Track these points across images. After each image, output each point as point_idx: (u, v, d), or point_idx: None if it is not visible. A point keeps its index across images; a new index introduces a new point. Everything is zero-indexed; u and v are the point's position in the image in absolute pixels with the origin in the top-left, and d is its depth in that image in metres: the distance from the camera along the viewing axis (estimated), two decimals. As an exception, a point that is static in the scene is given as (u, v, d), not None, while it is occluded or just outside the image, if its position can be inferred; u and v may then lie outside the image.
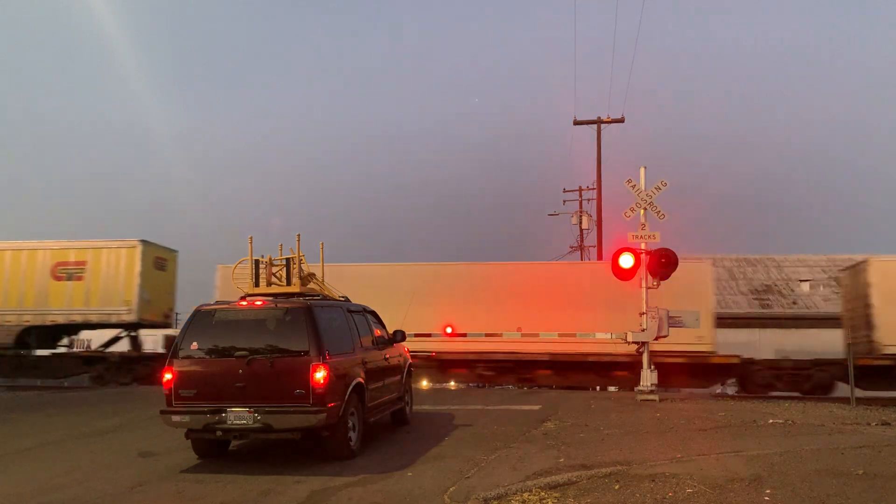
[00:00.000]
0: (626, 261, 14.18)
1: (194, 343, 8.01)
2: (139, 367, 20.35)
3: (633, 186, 14.55)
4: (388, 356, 10.14)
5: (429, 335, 18.55)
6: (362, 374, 8.66)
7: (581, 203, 34.47)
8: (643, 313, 14.24)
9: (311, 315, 7.99)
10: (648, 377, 14.28)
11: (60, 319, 20.59)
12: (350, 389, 8.21)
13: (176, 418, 7.81)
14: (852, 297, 19.36)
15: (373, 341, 9.74)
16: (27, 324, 20.55)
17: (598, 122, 27.98)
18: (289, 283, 10.55)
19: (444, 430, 10.23)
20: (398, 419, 10.71)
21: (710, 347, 17.41)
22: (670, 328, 14.38)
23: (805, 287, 29.74)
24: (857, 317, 18.66)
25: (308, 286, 10.71)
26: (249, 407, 7.62)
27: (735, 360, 17.65)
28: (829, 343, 20.54)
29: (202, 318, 8.23)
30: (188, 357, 7.96)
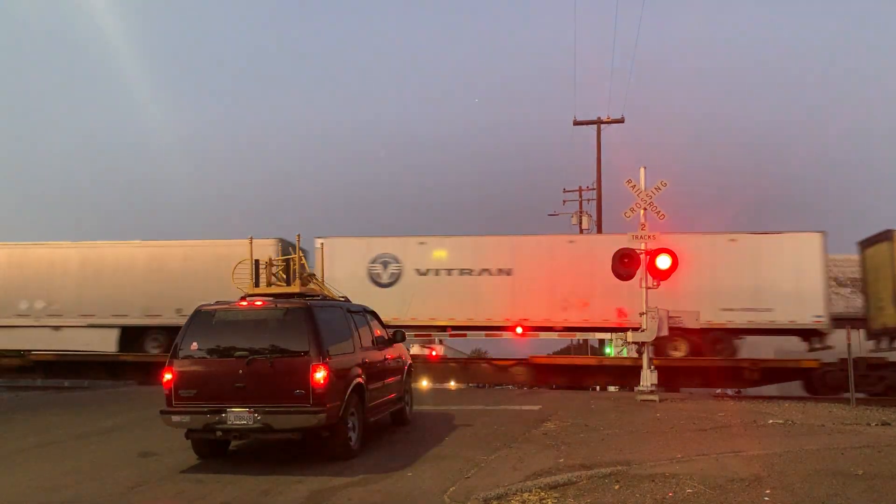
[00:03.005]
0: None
1: (194, 343, 8.01)
2: None
3: (633, 187, 14.54)
4: (388, 356, 10.13)
5: None
6: (362, 374, 8.65)
7: (581, 203, 34.43)
8: (643, 313, 14.24)
9: (311, 315, 7.99)
10: (648, 377, 14.27)
11: None
12: (350, 389, 8.21)
13: (176, 418, 7.81)
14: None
15: (373, 341, 9.74)
16: None
17: (598, 122, 27.99)
18: (289, 283, 10.56)
19: (444, 430, 10.23)
20: (398, 419, 10.70)
21: None
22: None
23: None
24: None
25: (308, 286, 10.72)
26: (249, 407, 7.62)
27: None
28: None
29: (202, 318, 8.22)
30: (188, 357, 7.96)
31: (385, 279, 19.47)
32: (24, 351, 21.54)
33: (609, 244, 17.95)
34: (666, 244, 18.50)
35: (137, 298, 20.04)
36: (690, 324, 15.03)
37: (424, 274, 19.42)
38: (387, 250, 19.63)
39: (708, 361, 18.36)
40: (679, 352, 18.57)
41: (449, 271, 19.38)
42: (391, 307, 18.85)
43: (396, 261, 19.52)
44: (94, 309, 20.22)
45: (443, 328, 19.44)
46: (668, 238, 18.61)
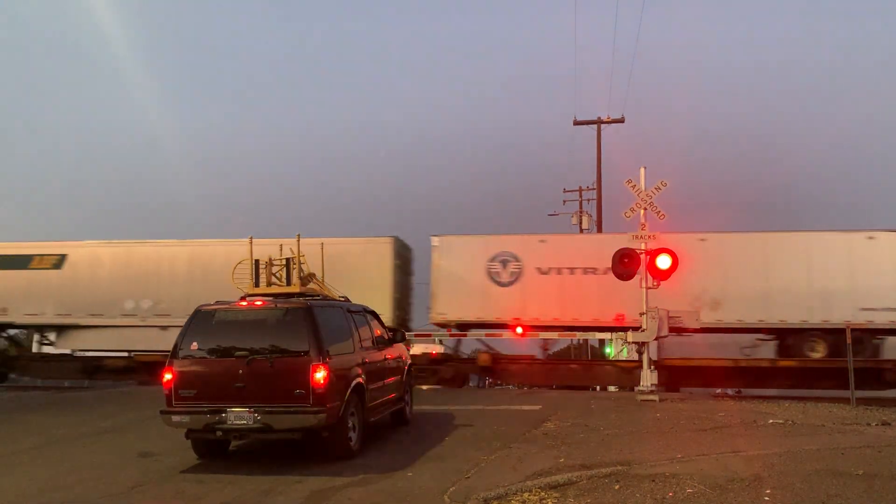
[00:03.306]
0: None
1: (194, 343, 8.02)
2: None
3: (633, 187, 14.55)
4: (388, 356, 10.13)
5: None
6: (362, 374, 8.66)
7: (581, 203, 34.43)
8: (643, 313, 14.25)
9: (311, 315, 7.99)
10: (648, 377, 14.28)
11: None
12: (350, 389, 8.21)
13: (176, 418, 7.81)
14: None
15: (373, 341, 9.74)
16: None
17: (598, 122, 27.97)
18: (289, 283, 10.56)
19: (444, 430, 10.23)
20: (398, 419, 10.70)
21: None
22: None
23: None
24: None
25: (308, 286, 10.72)
26: (249, 407, 7.62)
27: None
28: None
29: (202, 318, 8.23)
30: (188, 357, 7.96)
31: (505, 278, 18.79)
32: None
33: (741, 243, 18.02)
34: (797, 243, 18.05)
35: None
36: (690, 324, 15.03)
37: (546, 273, 18.70)
38: (506, 248, 18.95)
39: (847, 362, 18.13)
40: (817, 353, 17.96)
41: (572, 270, 18.62)
42: (512, 306, 18.51)
43: (516, 259, 18.78)
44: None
45: (570, 328, 18.89)
46: (799, 236, 18.33)
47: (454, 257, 19.17)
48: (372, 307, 10.21)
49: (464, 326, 19.04)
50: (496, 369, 19.52)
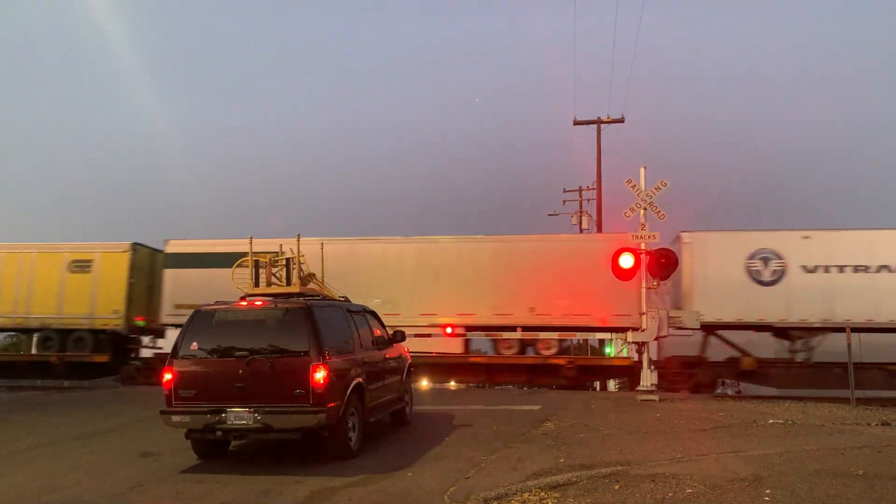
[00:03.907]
0: (627, 261, 14.20)
1: (194, 343, 8.01)
2: None
3: (633, 186, 14.56)
4: (388, 356, 10.14)
5: None
6: (362, 375, 8.66)
7: (581, 203, 34.43)
8: (643, 313, 14.26)
9: (311, 315, 7.99)
10: (648, 377, 14.29)
11: None
12: (350, 390, 8.21)
13: (176, 418, 7.81)
14: None
15: (373, 341, 9.74)
16: None
17: (598, 122, 27.93)
18: (289, 283, 10.57)
19: (444, 430, 10.23)
20: (398, 419, 10.70)
21: None
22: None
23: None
24: None
25: (308, 286, 10.73)
26: (249, 407, 7.62)
27: None
28: None
29: (202, 319, 8.22)
30: (188, 357, 7.95)
31: (766, 276, 17.97)
32: None
33: None
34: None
35: (485, 297, 18.81)
36: (691, 323, 15.05)
37: (812, 271, 17.87)
38: (765, 245, 18.11)
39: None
40: None
41: (841, 268, 17.78)
42: (776, 306, 17.81)
43: (778, 257, 17.92)
44: (436, 308, 18.88)
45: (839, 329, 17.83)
46: None
47: (709, 255, 18.37)
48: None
49: (714, 328, 18.33)
50: (758, 373, 18.58)
